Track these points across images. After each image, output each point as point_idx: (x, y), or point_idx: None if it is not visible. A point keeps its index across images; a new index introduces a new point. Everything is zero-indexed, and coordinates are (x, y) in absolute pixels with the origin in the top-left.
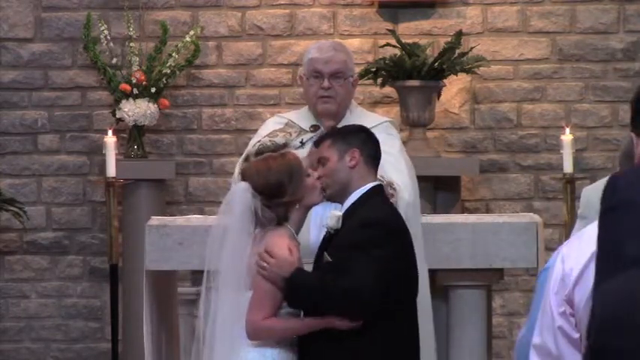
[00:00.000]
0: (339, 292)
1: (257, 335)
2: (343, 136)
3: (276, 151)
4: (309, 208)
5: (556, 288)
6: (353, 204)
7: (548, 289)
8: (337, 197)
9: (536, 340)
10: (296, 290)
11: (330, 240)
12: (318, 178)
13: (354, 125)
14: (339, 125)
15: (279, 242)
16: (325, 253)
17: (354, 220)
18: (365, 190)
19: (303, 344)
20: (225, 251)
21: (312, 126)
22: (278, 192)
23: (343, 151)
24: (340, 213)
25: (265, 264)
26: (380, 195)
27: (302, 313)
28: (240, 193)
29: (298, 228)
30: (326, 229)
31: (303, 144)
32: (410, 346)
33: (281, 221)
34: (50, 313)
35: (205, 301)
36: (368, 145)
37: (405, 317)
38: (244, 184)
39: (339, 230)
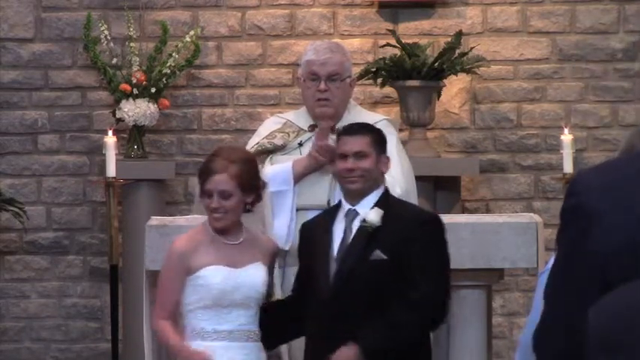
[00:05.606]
0: (411, 314)
1: (155, 332)
2: (381, 139)
3: (274, 152)
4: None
5: None
6: (378, 202)
7: None
8: (361, 193)
9: None
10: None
11: (372, 237)
12: (350, 169)
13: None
14: (338, 125)
15: (177, 239)
16: (378, 251)
17: (401, 217)
18: (383, 191)
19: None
20: None
21: (311, 126)
22: (199, 177)
23: (380, 154)
24: (381, 210)
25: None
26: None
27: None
28: None
29: (222, 234)
30: (364, 226)
31: (301, 145)
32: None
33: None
34: (50, 313)
35: None
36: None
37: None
38: None
39: (383, 227)
